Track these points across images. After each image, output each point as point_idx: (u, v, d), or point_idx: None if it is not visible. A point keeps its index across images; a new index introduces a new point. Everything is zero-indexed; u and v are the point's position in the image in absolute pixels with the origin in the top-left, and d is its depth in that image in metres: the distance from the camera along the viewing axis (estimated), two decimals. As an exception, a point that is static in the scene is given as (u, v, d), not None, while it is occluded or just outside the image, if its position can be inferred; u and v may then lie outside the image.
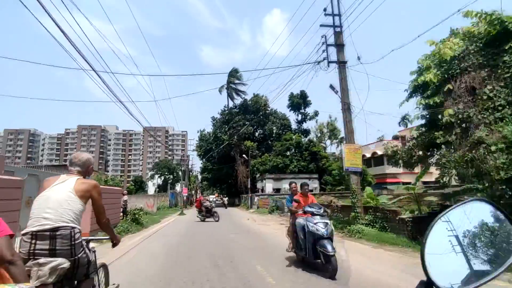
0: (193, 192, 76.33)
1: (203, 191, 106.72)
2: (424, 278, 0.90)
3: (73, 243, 2.23)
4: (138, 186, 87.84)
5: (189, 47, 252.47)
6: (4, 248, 1.77)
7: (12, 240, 1.98)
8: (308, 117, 47.80)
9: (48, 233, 2.17)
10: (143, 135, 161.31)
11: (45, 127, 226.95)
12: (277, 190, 35.85)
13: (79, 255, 2.27)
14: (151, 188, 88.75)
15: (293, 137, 42.06)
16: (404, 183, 41.95)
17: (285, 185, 36.36)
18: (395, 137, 44.89)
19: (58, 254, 2.17)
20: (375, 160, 41.87)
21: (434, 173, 40.39)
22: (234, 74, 48.63)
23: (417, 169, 45.73)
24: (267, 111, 51.33)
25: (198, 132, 52.34)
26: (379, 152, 41.32)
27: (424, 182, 43.02)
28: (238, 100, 51.86)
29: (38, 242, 2.15)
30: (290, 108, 49.22)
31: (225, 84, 49.60)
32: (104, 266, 3.12)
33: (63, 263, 2.15)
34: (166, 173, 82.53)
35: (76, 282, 2.37)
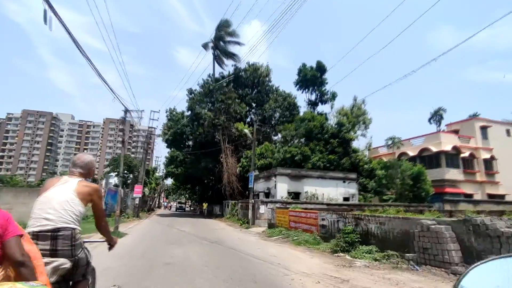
0: (155, 195, 59.14)
1: (168, 194, 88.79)
2: None
3: (73, 243, 2.23)
4: (88, 185, 72.19)
5: (164, 46, 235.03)
6: (14, 249, 1.76)
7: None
8: (327, 96, 34.10)
9: (49, 233, 2.17)
10: (103, 127, 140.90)
11: None
12: (296, 196, 21.24)
13: (79, 256, 2.28)
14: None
15: (315, 116, 27.96)
16: (466, 195, 29.34)
17: (308, 188, 21.87)
18: (453, 131, 32.44)
19: (59, 255, 2.16)
20: (425, 160, 28.89)
21: (501, 184, 26.99)
22: (224, 27, 33.96)
23: (479, 176, 30.66)
24: (267, 86, 37.05)
25: (166, 112, 36.65)
26: (434, 149, 28.32)
27: (490, 196, 31.35)
28: (228, 69, 37.23)
29: (39, 242, 2.13)
30: (299, 85, 35.33)
31: (211, 40, 34.66)
32: (92, 269, 2.79)
33: (65, 263, 2.15)
34: (126, 171, 65.80)
35: (71, 283, 2.34)
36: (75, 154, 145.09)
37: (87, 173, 2.61)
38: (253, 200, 19.01)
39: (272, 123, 34.82)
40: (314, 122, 26.61)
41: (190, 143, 37.69)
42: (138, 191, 25.94)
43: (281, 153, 24.81)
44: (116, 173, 65.16)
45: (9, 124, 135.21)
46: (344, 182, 22.87)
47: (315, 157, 24.71)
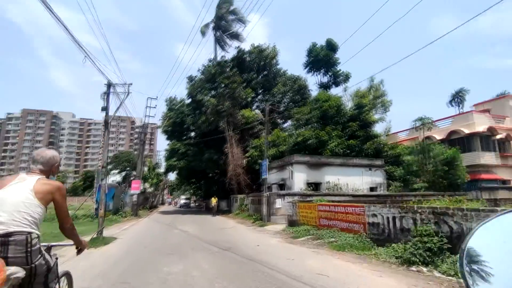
0: (158, 191, 56.65)
1: (172, 190, 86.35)
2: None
3: (29, 249, 2.04)
4: (89, 183, 72.54)
5: (163, 44, 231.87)
6: None
7: None
8: (341, 78, 30.87)
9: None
10: (103, 124, 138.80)
11: None
12: (316, 187, 18.34)
13: (36, 263, 2.08)
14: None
15: (331, 96, 24.84)
16: (504, 181, 26.17)
17: (329, 178, 18.95)
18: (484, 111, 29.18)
19: (11, 263, 1.96)
20: (455, 144, 25.76)
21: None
22: (225, 4, 30.72)
23: (515, 161, 27.51)
24: (275, 69, 33.90)
25: (166, 101, 33.70)
26: (465, 131, 25.23)
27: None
28: (231, 53, 34.10)
29: None
30: (309, 67, 32.14)
31: (212, 21, 31.48)
32: (68, 275, 2.86)
33: (17, 272, 1.96)
34: (128, 168, 63.94)
35: None
36: (77, 152, 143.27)
37: (49, 170, 2.43)
38: (267, 193, 16.14)
39: (282, 108, 31.77)
40: (330, 102, 23.51)
41: (192, 134, 34.83)
42: (136, 187, 23.26)
43: (294, 137, 21.82)
44: (118, 170, 63.00)
45: (9, 124, 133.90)
46: (369, 169, 19.90)
47: (332, 142, 21.71)
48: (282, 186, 19.63)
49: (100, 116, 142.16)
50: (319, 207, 11.10)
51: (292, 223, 13.24)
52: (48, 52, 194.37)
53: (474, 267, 0.86)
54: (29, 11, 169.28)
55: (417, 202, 12.00)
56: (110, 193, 20.88)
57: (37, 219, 2.15)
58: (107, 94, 10.52)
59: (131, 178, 52.05)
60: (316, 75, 32.80)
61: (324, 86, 31.75)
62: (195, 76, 32.44)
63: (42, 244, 2.23)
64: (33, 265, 2.04)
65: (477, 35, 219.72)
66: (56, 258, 2.44)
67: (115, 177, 68.93)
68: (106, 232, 12.88)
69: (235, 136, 27.43)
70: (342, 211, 9.61)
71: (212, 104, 27.75)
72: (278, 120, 32.18)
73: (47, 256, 2.22)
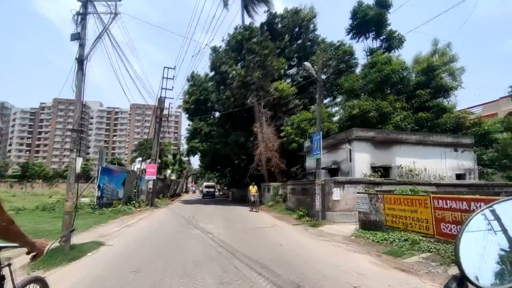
0: (181, 179, 53.88)
1: (197, 179, 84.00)
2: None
3: None
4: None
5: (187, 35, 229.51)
6: None
7: None
8: (394, 41, 24.98)
9: None
10: (130, 113, 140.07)
11: (17, 99, 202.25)
12: (385, 172, 13.42)
13: None
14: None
15: (391, 58, 19.37)
16: None
17: (401, 160, 13.93)
18: None
19: None
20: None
21: None
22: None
23: None
24: (312, 35, 28.63)
25: (187, 79, 29.61)
26: None
27: None
28: (259, 21, 29.24)
29: None
30: (354, 31, 26.43)
31: (238, -21, 26.63)
32: (40, 281, 2.42)
33: None
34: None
35: None
36: (105, 140, 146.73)
37: None
38: (322, 181, 11.51)
39: (324, 79, 26.65)
40: (391, 66, 18.11)
41: (217, 114, 30.75)
42: (151, 172, 19.59)
43: (346, 110, 16.86)
44: (143, 157, 60.85)
45: (42, 113, 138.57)
46: (454, 150, 14.58)
47: (397, 116, 16.51)
48: (334, 171, 14.92)
49: (126, 106, 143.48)
50: (436, 202, 6.35)
51: (369, 224, 8.60)
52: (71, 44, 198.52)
53: (469, 251, 0.85)
54: (61, 6, 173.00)
55: None
56: (119, 178, 17.31)
57: None
58: (81, 15, 6.41)
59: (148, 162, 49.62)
60: (362, 40, 27.09)
61: (374, 53, 26.03)
62: (219, 47, 28.02)
63: None
64: None
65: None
66: (9, 264, 2.01)
67: (139, 165, 67.32)
68: (95, 232, 9.03)
69: (267, 113, 22.88)
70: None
71: (239, 75, 23.27)
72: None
73: None
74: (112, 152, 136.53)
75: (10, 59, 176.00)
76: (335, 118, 21.73)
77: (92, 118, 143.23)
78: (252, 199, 17.92)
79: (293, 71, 29.78)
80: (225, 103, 25.61)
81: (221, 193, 55.05)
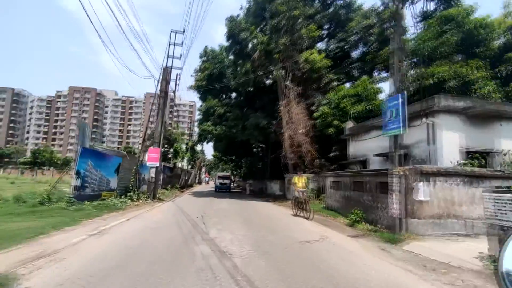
0: (194, 169, 50.59)
1: (210, 170, 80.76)
2: None
3: None
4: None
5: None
6: None
7: None
8: (453, 2, 19.87)
9: None
10: (144, 102, 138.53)
11: (34, 87, 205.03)
12: (483, 160, 9.07)
13: None
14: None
15: (470, 10, 14.56)
16: None
17: (506, 143, 9.51)
18: None
19: None
20: None
21: None
22: None
23: None
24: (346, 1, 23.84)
25: (200, 56, 25.56)
26: None
27: None
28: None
29: None
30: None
31: None
32: None
33: None
34: (166, 145, 59.54)
35: None
36: (120, 129, 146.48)
37: None
38: (401, 171, 7.29)
39: (363, 51, 22.00)
40: (470, 25, 13.34)
41: (233, 95, 26.72)
42: (153, 158, 15.88)
43: (411, 81, 12.36)
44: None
45: (58, 101, 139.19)
46: None
47: (484, 86, 11.90)
48: (402, 157, 10.62)
49: (141, 94, 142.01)
50: None
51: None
52: (96, 36, 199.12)
53: None
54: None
55: None
56: (111, 164, 13.65)
57: None
58: None
59: (169, 155, 46.44)
60: (409, 6, 22.03)
61: (427, 17, 20.99)
62: (237, 16, 23.71)
63: None
64: None
65: None
66: None
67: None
68: (36, 245, 5.27)
69: (295, 88, 18.59)
70: None
71: (262, 42, 19.03)
72: (354, 71, 22.47)
73: None
74: (127, 141, 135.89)
75: (30, 49, 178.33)
76: (382, 95, 17.20)
77: (107, 107, 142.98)
78: (300, 197, 11.38)
79: (321, 45, 25.15)
80: (243, 82, 21.46)
81: (235, 184, 51.40)
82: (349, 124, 14.62)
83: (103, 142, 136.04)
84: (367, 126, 12.52)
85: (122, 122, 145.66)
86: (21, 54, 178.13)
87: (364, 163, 12.26)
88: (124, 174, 15.09)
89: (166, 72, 16.65)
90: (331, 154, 19.43)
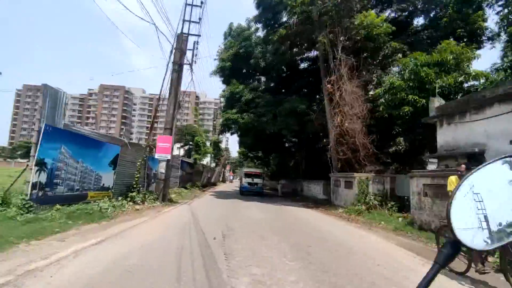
0: (217, 167, 47.35)
1: (235, 168, 77.41)
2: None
3: None
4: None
5: (220, 17, 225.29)
6: None
7: None
8: None
9: None
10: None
11: (68, 86, 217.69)
12: None
13: None
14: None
15: None
16: None
17: None
18: None
19: None
20: None
21: None
22: None
23: None
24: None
25: (224, 35, 21.77)
26: None
27: None
28: None
29: None
30: None
31: None
32: None
33: None
34: (190, 142, 57.50)
35: None
36: (147, 127, 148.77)
37: None
38: None
39: (427, 26, 17.03)
40: None
41: (263, 78, 22.67)
42: (163, 148, 12.25)
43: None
44: (181, 144, 55.28)
45: (90, 99, 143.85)
46: None
47: None
48: None
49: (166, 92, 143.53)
50: None
51: None
52: (126, 38, 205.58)
53: (459, 217, 0.89)
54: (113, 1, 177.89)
55: None
56: (103, 153, 10.11)
57: None
58: None
59: (192, 152, 43.56)
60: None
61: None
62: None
63: None
64: None
65: None
66: None
67: (177, 152, 62.45)
68: None
69: (347, 60, 14.09)
70: None
71: (302, 3, 14.73)
72: (422, 43, 17.49)
73: None
74: (153, 139, 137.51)
75: (65, 50, 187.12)
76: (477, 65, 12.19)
77: (135, 104, 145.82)
78: None
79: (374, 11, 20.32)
80: (276, 61, 17.30)
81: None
82: (435, 102, 10.04)
83: (131, 139, 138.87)
84: (481, 99, 7.91)
85: (149, 120, 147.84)
86: (57, 53, 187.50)
87: (475, 156, 7.71)
88: (125, 168, 11.60)
89: (181, 39, 12.95)
90: (392, 149, 14.76)
